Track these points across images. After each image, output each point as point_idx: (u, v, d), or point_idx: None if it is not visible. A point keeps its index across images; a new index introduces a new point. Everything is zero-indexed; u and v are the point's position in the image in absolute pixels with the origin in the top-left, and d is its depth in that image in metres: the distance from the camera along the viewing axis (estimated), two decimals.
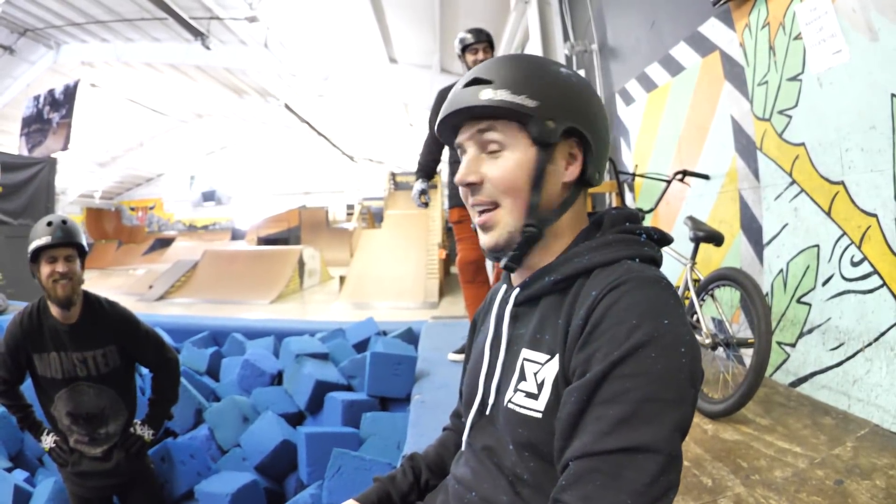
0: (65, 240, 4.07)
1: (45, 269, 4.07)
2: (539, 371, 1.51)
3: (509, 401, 1.56)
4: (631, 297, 1.36)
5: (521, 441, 1.51)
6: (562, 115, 1.56)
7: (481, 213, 1.64)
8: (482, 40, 5.91)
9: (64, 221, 4.12)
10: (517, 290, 1.69)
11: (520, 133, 1.57)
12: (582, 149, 1.63)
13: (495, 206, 1.61)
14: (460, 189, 1.69)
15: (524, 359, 1.57)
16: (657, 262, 1.60)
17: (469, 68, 5.68)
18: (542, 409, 1.47)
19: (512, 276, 1.77)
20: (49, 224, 4.06)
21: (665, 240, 1.67)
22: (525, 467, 1.52)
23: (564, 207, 1.64)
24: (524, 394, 1.52)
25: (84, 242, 4.25)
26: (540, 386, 1.49)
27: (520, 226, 1.60)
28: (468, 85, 1.60)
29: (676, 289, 4.77)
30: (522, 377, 1.55)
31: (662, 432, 1.24)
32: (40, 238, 4.02)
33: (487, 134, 1.60)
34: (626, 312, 1.34)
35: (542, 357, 1.51)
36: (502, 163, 1.58)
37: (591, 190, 1.79)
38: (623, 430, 1.24)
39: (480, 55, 5.89)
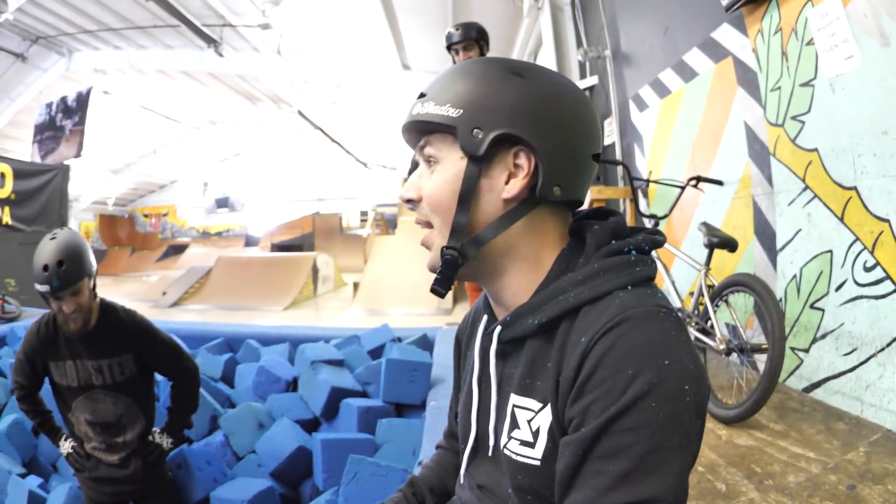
0: (62, 287, 3.90)
1: (53, 305, 4.02)
2: (533, 419, 1.41)
3: (505, 446, 1.47)
4: (626, 341, 1.22)
5: (523, 486, 1.42)
6: (491, 121, 1.40)
7: (424, 229, 1.56)
8: (470, 38, 5.67)
9: (60, 263, 3.88)
10: (499, 327, 1.52)
11: (453, 146, 1.46)
12: (532, 159, 1.42)
13: (431, 224, 1.53)
14: None
15: (514, 405, 1.46)
16: (652, 277, 1.42)
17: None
18: (539, 456, 1.38)
19: (492, 304, 1.62)
20: (45, 268, 3.85)
21: (657, 243, 1.49)
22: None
23: (499, 228, 1.46)
24: (519, 442, 1.43)
25: (89, 269, 4.10)
26: (535, 434, 1.40)
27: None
28: (417, 100, 1.51)
29: (690, 295, 4.79)
30: (515, 425, 1.45)
31: (668, 481, 1.16)
32: (38, 284, 3.90)
33: (426, 149, 1.51)
34: (622, 361, 1.20)
35: (535, 405, 1.41)
36: (434, 178, 1.49)
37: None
38: (626, 485, 1.16)
39: (470, 54, 5.67)
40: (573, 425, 1.26)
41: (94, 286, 4.20)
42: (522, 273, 1.49)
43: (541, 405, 1.38)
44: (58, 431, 4.39)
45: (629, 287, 1.34)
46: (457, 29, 5.57)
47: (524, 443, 1.41)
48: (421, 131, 1.50)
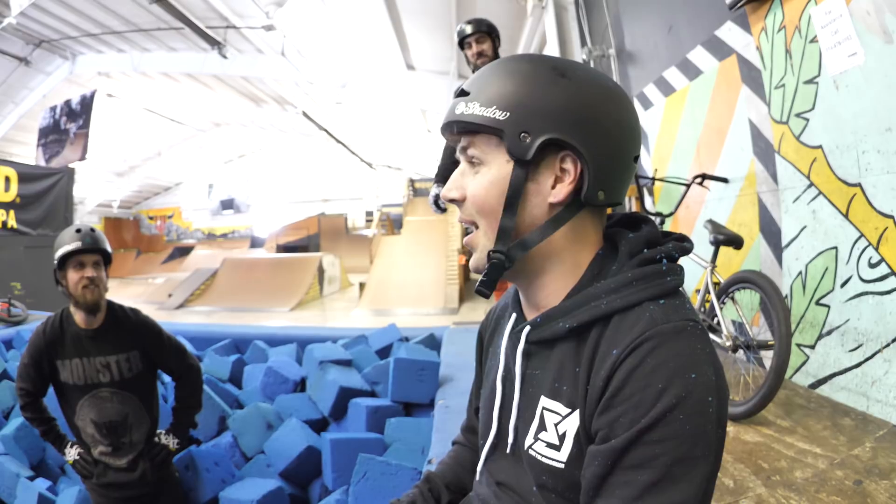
0: (94, 246, 4.11)
1: (73, 275, 4.10)
2: (560, 423, 1.42)
3: (530, 447, 1.48)
4: (656, 357, 1.25)
5: (547, 486, 1.44)
6: (539, 126, 1.39)
7: (468, 231, 1.56)
8: (481, 31, 5.60)
9: (92, 229, 4.17)
10: (528, 327, 1.52)
11: (498, 148, 1.44)
12: (578, 164, 1.42)
13: (475, 226, 1.52)
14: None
15: (543, 408, 1.47)
16: (681, 286, 1.44)
17: (469, 61, 5.63)
18: (564, 460, 1.40)
19: (523, 302, 1.62)
20: (78, 231, 4.10)
21: (686, 250, 1.51)
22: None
23: (548, 232, 1.46)
24: (545, 444, 1.45)
25: (109, 251, 4.30)
26: (561, 438, 1.42)
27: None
28: (457, 97, 1.49)
29: (696, 292, 4.80)
30: (543, 427, 1.46)
31: (691, 489, 1.20)
32: (69, 244, 4.05)
33: (469, 150, 1.49)
34: (651, 375, 1.24)
35: (563, 409, 1.42)
36: (479, 179, 1.47)
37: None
38: (653, 494, 1.20)
39: (483, 47, 5.60)
40: (601, 436, 1.29)
41: (108, 275, 4.33)
42: (559, 275, 1.50)
43: (568, 410, 1.40)
44: (63, 439, 4.41)
45: (660, 300, 1.36)
46: (468, 23, 5.56)
47: (550, 445, 1.43)
48: (464, 131, 1.49)
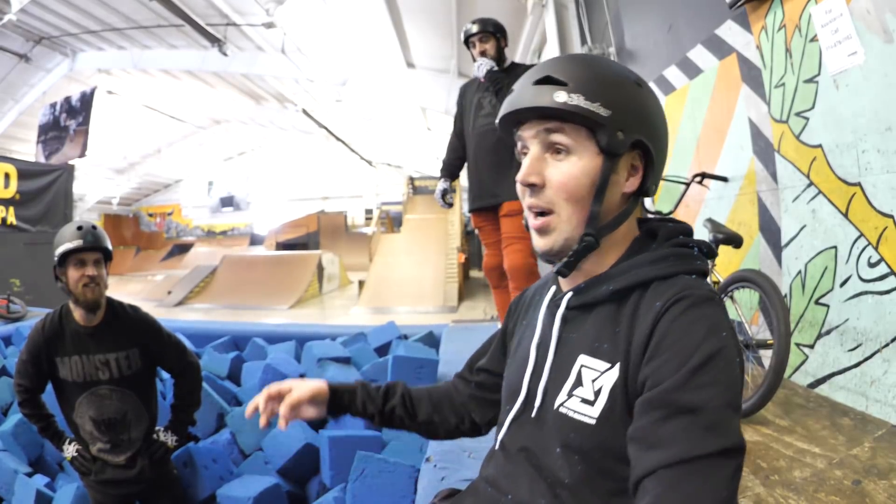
0: (95, 244, 4.10)
1: (73, 274, 4.08)
2: (597, 378, 1.51)
3: (561, 404, 1.57)
4: (695, 311, 1.41)
5: (572, 445, 1.51)
6: (631, 126, 1.56)
7: (537, 215, 1.63)
8: (487, 31, 5.62)
9: (94, 227, 4.15)
10: (569, 294, 1.68)
11: (588, 140, 1.56)
12: (643, 161, 1.64)
13: (551, 211, 1.60)
14: (518, 186, 1.66)
15: (582, 365, 1.56)
16: (706, 273, 1.63)
17: (474, 60, 5.63)
18: (596, 415, 1.48)
19: (561, 279, 1.77)
20: (79, 228, 4.08)
21: (712, 253, 1.72)
22: (569, 471, 1.51)
23: (622, 218, 1.64)
24: (579, 399, 1.53)
25: (111, 251, 4.30)
26: (597, 393, 1.50)
27: (577, 234, 1.59)
28: (540, 82, 1.57)
29: None
30: (579, 383, 1.55)
31: (739, 432, 1.30)
32: (70, 241, 4.03)
33: (555, 135, 1.57)
34: (692, 325, 1.39)
35: (602, 365, 1.52)
36: (567, 168, 1.57)
37: None
38: (712, 436, 1.27)
39: (486, 46, 5.61)
40: (649, 383, 1.39)
41: (108, 272, 4.32)
42: (607, 254, 1.65)
43: (608, 365, 1.50)
44: (61, 435, 4.40)
45: (692, 275, 1.56)
46: (474, 23, 5.57)
47: (584, 400, 1.52)
48: (552, 117, 1.57)
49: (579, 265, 1.64)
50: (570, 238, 1.59)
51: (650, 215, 1.78)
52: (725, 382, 1.33)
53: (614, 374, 1.48)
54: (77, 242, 4.02)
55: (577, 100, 1.51)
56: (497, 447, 1.79)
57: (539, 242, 1.64)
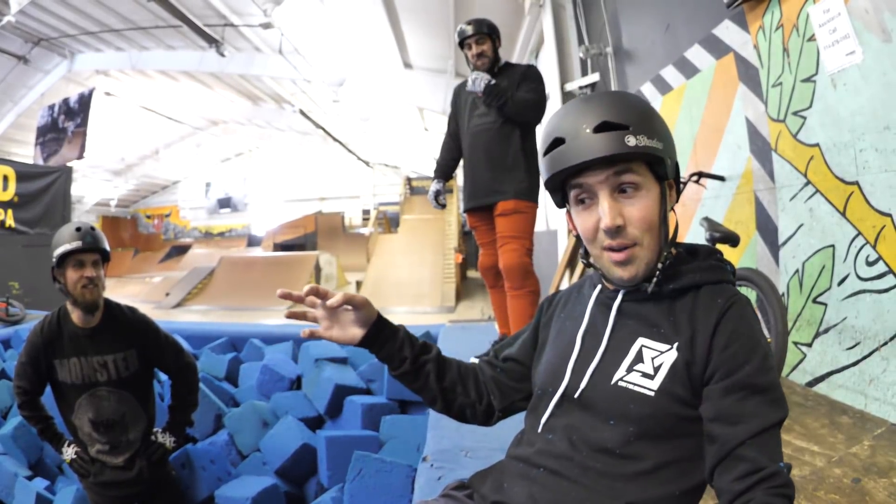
0: (94, 245, 4.10)
1: (72, 275, 4.08)
2: (657, 357, 1.70)
3: (621, 379, 1.72)
4: (749, 312, 1.71)
5: (629, 415, 1.67)
6: (673, 152, 1.76)
7: (621, 249, 1.73)
8: (482, 32, 5.57)
9: (92, 228, 4.16)
10: (623, 291, 1.85)
11: (647, 172, 1.71)
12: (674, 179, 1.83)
13: (635, 244, 1.72)
14: (588, 230, 1.78)
15: (643, 345, 1.74)
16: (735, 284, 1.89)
17: (469, 61, 5.62)
18: (655, 388, 1.66)
19: (605, 280, 1.91)
20: (78, 229, 4.08)
21: (734, 270, 1.92)
22: (620, 440, 1.66)
23: (675, 231, 1.82)
24: (640, 374, 1.70)
25: (109, 252, 4.29)
26: (656, 369, 1.69)
27: (655, 257, 1.75)
28: (600, 129, 1.66)
29: None
30: (640, 360, 1.72)
31: (787, 402, 1.63)
32: (69, 243, 4.03)
33: (625, 176, 1.69)
34: (752, 323, 1.69)
35: (662, 346, 1.71)
36: (642, 203, 1.70)
37: None
38: (777, 408, 1.59)
39: (482, 48, 5.55)
40: (724, 371, 1.63)
41: (105, 274, 4.32)
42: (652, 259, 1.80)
43: (667, 346, 1.71)
44: (60, 438, 4.41)
45: (731, 284, 1.83)
46: (469, 24, 5.56)
47: (645, 375, 1.70)
48: (624, 160, 1.68)
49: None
50: (650, 263, 1.75)
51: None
52: (774, 368, 1.69)
53: (673, 354, 1.69)
54: (76, 244, 4.02)
55: (643, 140, 1.64)
56: (539, 430, 1.85)
57: (622, 272, 1.76)
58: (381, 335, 2.07)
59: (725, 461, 1.56)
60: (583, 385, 1.77)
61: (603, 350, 1.80)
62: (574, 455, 1.70)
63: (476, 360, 2.26)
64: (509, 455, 1.92)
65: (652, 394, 1.66)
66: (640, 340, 1.75)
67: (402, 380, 2.13)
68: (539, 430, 1.84)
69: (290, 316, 2.01)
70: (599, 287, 1.95)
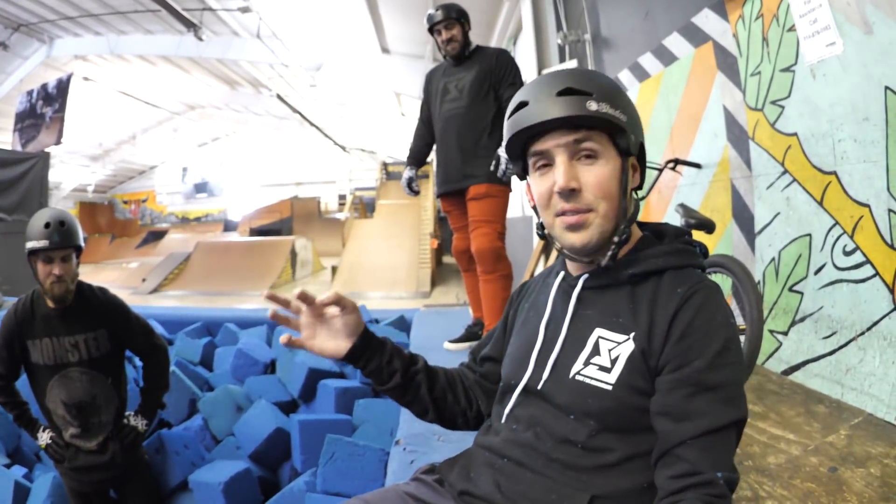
0: (62, 244, 4.08)
1: (41, 268, 4.10)
2: (614, 349, 1.67)
3: (577, 373, 1.70)
4: (713, 302, 1.64)
5: (588, 410, 1.64)
6: (638, 131, 1.78)
7: (573, 213, 1.72)
8: (450, 17, 5.62)
9: (62, 223, 4.09)
10: (585, 276, 1.84)
11: (609, 144, 1.71)
12: (639, 161, 1.85)
13: (589, 210, 1.71)
14: (542, 194, 1.77)
15: (599, 337, 1.71)
16: (704, 270, 1.83)
17: (439, 47, 5.61)
18: (613, 381, 1.63)
19: (570, 265, 1.92)
20: (47, 226, 4.04)
21: (705, 252, 1.94)
22: (584, 433, 1.64)
23: (637, 211, 1.82)
24: (597, 367, 1.67)
25: (81, 240, 4.26)
26: (613, 361, 1.66)
27: (610, 228, 1.73)
28: (563, 93, 1.67)
29: None
30: (596, 352, 1.70)
31: (746, 405, 1.57)
32: (37, 240, 4.02)
33: (585, 143, 1.69)
34: (714, 313, 1.61)
35: (620, 337, 1.68)
36: (599, 170, 1.70)
37: None
38: (730, 408, 1.52)
39: (452, 33, 5.61)
40: (675, 363, 1.59)
41: (79, 262, 4.31)
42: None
43: (624, 337, 1.67)
44: (35, 423, 4.43)
45: (697, 270, 1.79)
46: (437, 10, 5.55)
47: (602, 368, 1.67)
48: (580, 126, 1.69)
49: (595, 256, 1.77)
50: (605, 232, 1.72)
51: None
52: (736, 363, 1.59)
53: (630, 345, 1.65)
54: (43, 243, 4.02)
55: (605, 108, 1.66)
56: (503, 420, 1.85)
57: (574, 238, 1.73)
58: (369, 348, 1.99)
59: (665, 457, 1.54)
60: (544, 378, 1.77)
61: (562, 341, 1.79)
62: (538, 446, 1.70)
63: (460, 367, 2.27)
64: (476, 443, 1.93)
65: (609, 387, 1.64)
66: (597, 331, 1.74)
67: (392, 394, 2.07)
68: (503, 419, 1.85)
69: (273, 318, 1.94)
70: (562, 274, 1.95)
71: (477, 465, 1.81)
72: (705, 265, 1.75)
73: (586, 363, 1.70)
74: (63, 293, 4.16)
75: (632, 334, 1.66)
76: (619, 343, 1.67)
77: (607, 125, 1.68)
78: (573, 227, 1.72)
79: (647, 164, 5.10)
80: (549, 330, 1.85)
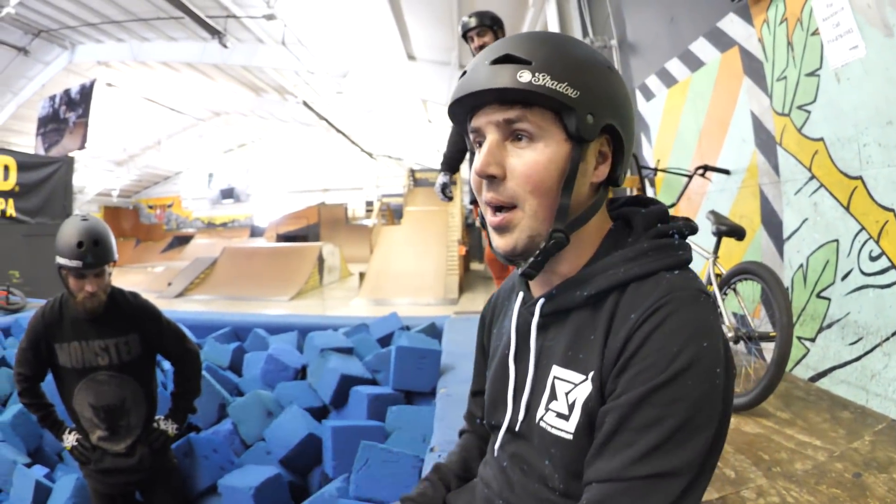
0: (95, 265, 3.99)
1: (73, 283, 4.04)
2: (571, 391, 1.45)
3: (541, 418, 1.50)
4: (672, 321, 1.30)
5: (556, 459, 1.46)
6: (602, 110, 1.42)
7: (497, 210, 1.48)
8: (484, 24, 5.64)
9: (96, 242, 3.98)
10: (542, 300, 1.57)
11: (554, 125, 1.41)
12: (612, 147, 1.50)
13: (513, 205, 1.45)
14: (472, 180, 1.52)
15: (555, 377, 1.49)
16: (690, 261, 1.51)
17: (473, 53, 5.64)
18: (572, 430, 1.43)
19: (531, 284, 1.64)
20: (80, 244, 3.91)
21: (694, 230, 1.58)
22: (556, 479, 1.47)
23: (593, 211, 1.51)
24: (555, 414, 1.47)
25: (115, 254, 4.18)
26: (571, 407, 1.44)
27: (543, 230, 1.45)
28: (498, 62, 1.40)
29: None
30: (553, 396, 1.49)
31: (691, 455, 1.25)
32: (69, 259, 3.92)
33: (520, 123, 1.41)
34: (668, 338, 1.29)
35: (576, 377, 1.44)
36: (532, 156, 1.42)
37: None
38: (654, 457, 1.24)
39: (484, 40, 5.66)
40: (614, 395, 1.33)
41: (111, 273, 4.24)
42: (579, 251, 1.52)
43: (582, 377, 1.43)
44: (61, 425, 4.41)
45: (675, 271, 1.43)
46: (471, 17, 5.59)
47: (560, 415, 1.46)
48: (515, 101, 1.42)
49: (548, 266, 1.52)
50: (535, 235, 1.46)
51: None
52: (689, 400, 1.26)
53: (587, 387, 1.42)
54: (76, 263, 3.93)
55: (544, 79, 1.36)
56: (495, 455, 1.72)
57: (499, 242, 1.50)
58: None
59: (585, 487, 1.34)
60: (519, 420, 1.59)
61: (531, 381, 1.57)
62: (527, 485, 1.56)
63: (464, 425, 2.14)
64: (479, 474, 1.81)
65: (570, 437, 1.43)
66: (553, 370, 1.51)
67: None
68: (494, 454, 1.72)
69: None
70: (521, 295, 1.69)
71: (478, 500, 1.74)
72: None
73: (546, 408, 1.50)
74: (95, 306, 4.13)
75: (590, 374, 1.42)
76: (575, 385, 1.45)
77: (549, 102, 1.38)
78: (498, 229, 1.49)
79: (675, 171, 5.09)
80: (518, 367, 1.63)
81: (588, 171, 1.47)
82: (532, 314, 1.59)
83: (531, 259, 1.47)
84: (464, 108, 1.53)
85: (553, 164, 1.41)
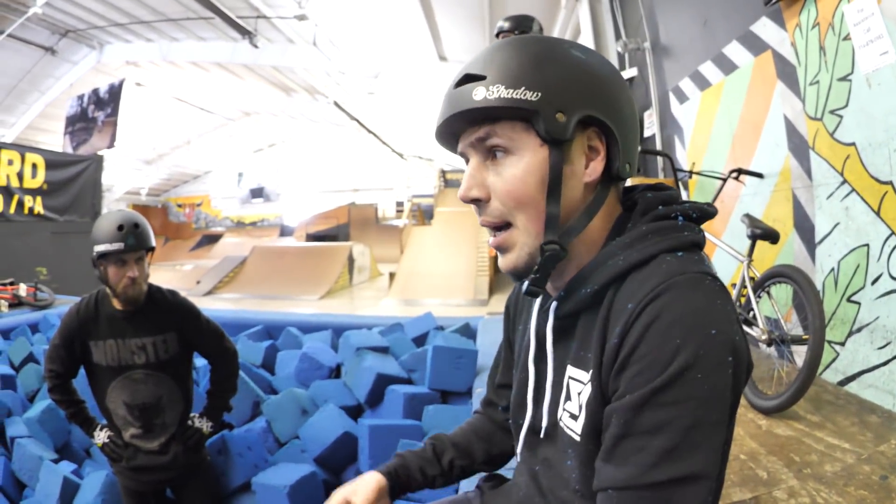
0: (138, 247, 3.99)
1: (113, 271, 4.00)
2: (581, 391, 1.38)
3: (559, 419, 1.47)
4: (672, 311, 1.19)
5: (573, 462, 1.40)
6: (572, 103, 1.33)
7: (496, 230, 1.45)
8: (518, 28, 5.44)
9: (136, 225, 3.99)
10: (555, 302, 1.49)
11: (526, 133, 1.35)
12: (604, 139, 1.39)
13: (508, 224, 1.42)
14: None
15: (569, 377, 1.44)
16: (700, 244, 1.38)
17: None
18: (580, 431, 1.37)
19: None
20: (120, 227, 3.92)
21: (707, 213, 1.45)
22: (576, 479, 1.40)
23: (591, 212, 1.42)
24: (569, 414, 1.42)
25: (153, 240, 4.18)
26: (581, 406, 1.38)
27: (540, 243, 1.38)
28: (460, 83, 1.38)
29: (732, 286, 4.81)
30: (568, 396, 1.44)
31: (710, 456, 1.16)
32: (110, 243, 3.91)
33: (491, 140, 1.38)
34: (668, 330, 1.18)
35: (584, 376, 1.38)
36: (510, 171, 1.37)
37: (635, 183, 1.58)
38: (670, 461, 1.15)
39: None
40: (617, 395, 1.24)
41: (150, 264, 4.24)
42: (586, 249, 1.43)
43: (588, 376, 1.36)
44: (92, 421, 4.37)
45: (677, 252, 1.32)
46: (506, 20, 5.56)
47: (572, 415, 1.41)
48: (481, 120, 1.38)
49: (559, 268, 1.43)
50: (534, 251, 1.40)
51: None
52: (699, 397, 1.16)
53: (590, 385, 1.35)
54: (118, 245, 3.91)
55: (497, 91, 1.31)
56: (520, 455, 1.68)
57: (502, 262, 1.46)
58: (400, 485, 1.93)
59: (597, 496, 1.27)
60: (544, 424, 1.52)
61: (551, 382, 1.51)
62: (556, 489, 1.49)
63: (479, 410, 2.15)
64: (514, 479, 1.77)
65: (578, 438, 1.38)
66: (568, 370, 1.45)
67: (446, 486, 2.05)
68: (520, 454, 1.68)
69: None
70: (540, 297, 1.59)
71: (513, 501, 1.70)
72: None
73: (563, 409, 1.45)
74: (137, 295, 4.09)
75: (591, 372, 1.35)
76: (584, 384, 1.38)
77: (510, 112, 1.33)
78: (499, 249, 1.45)
79: (709, 174, 5.11)
80: (538, 369, 1.57)
81: (577, 172, 1.39)
82: (547, 318, 1.52)
83: (531, 276, 1.40)
84: (448, 136, 1.51)
85: (530, 174, 1.36)
